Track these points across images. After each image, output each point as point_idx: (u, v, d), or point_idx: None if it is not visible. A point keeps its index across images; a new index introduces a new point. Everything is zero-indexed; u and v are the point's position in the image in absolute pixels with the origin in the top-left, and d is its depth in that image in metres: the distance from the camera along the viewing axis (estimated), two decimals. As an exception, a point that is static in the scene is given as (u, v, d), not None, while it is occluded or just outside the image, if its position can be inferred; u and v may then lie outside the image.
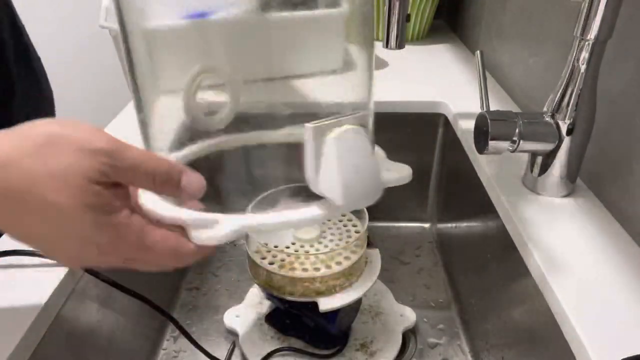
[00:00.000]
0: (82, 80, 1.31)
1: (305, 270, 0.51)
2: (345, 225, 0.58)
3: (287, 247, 0.54)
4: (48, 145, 0.29)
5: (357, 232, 0.56)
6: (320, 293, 0.51)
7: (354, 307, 0.60)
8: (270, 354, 0.59)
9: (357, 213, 0.58)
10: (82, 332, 0.48)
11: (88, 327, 0.49)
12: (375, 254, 0.57)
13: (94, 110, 1.34)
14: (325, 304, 0.50)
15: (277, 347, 0.60)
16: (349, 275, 0.52)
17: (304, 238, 0.55)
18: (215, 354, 0.62)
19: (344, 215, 0.59)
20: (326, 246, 0.54)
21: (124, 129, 0.71)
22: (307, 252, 0.53)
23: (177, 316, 0.69)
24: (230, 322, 0.65)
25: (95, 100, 1.33)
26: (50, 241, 0.31)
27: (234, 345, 0.64)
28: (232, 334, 0.65)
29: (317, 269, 0.51)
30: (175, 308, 0.71)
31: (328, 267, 0.51)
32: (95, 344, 0.51)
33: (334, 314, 0.54)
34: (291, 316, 0.50)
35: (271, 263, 0.52)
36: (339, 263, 0.51)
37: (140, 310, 0.60)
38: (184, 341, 0.66)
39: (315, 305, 0.51)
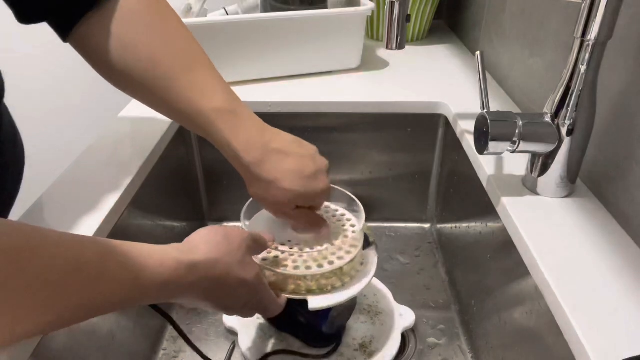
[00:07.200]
0: (82, 81, 1.32)
1: (296, 268, 0.51)
2: (343, 225, 0.58)
3: (283, 244, 0.54)
4: (227, 243, 0.43)
5: (354, 232, 0.56)
6: (311, 291, 0.51)
7: (348, 308, 0.59)
8: (267, 355, 0.59)
9: (356, 214, 0.58)
10: (82, 332, 0.48)
11: (88, 327, 0.49)
12: (372, 256, 0.56)
13: (94, 109, 1.34)
14: (315, 302, 0.50)
15: (276, 347, 0.60)
16: (342, 275, 0.52)
17: (301, 236, 0.55)
18: (216, 355, 0.63)
19: (343, 215, 0.59)
20: (322, 245, 0.54)
21: (124, 127, 0.71)
22: (301, 249, 0.53)
23: (176, 317, 0.69)
24: (229, 322, 0.65)
25: (96, 99, 1.33)
26: (230, 303, 0.46)
27: (234, 345, 0.64)
28: (232, 333, 0.65)
29: (308, 267, 0.51)
30: (174, 309, 0.71)
31: (320, 265, 0.51)
32: (95, 344, 0.51)
33: (325, 313, 0.54)
34: (286, 313, 0.50)
35: (264, 259, 0.52)
36: (331, 262, 0.51)
37: (140, 310, 0.60)
38: (183, 341, 0.66)
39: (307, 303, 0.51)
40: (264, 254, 0.53)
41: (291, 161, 0.49)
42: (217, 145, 0.49)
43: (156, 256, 0.37)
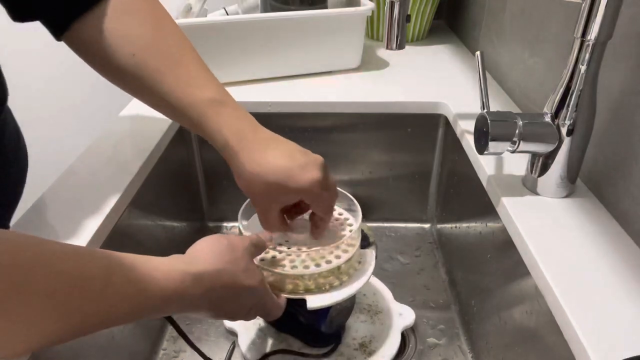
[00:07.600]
0: (82, 81, 1.32)
1: (294, 267, 0.51)
2: (341, 224, 0.58)
3: (280, 244, 0.54)
4: (231, 251, 0.43)
5: (351, 231, 0.56)
6: (310, 291, 0.51)
7: (347, 307, 0.59)
8: (267, 355, 0.59)
9: (354, 214, 0.58)
10: (82, 332, 0.48)
11: (88, 327, 0.49)
12: (370, 254, 0.56)
13: (94, 109, 1.34)
14: (314, 301, 0.50)
15: (276, 347, 0.60)
16: (340, 274, 0.52)
17: (299, 236, 0.55)
18: (216, 355, 0.63)
19: (340, 214, 0.59)
20: (319, 244, 0.54)
21: (124, 126, 0.71)
22: (299, 249, 0.53)
23: (176, 317, 0.69)
24: (229, 322, 0.65)
25: (96, 100, 1.33)
26: (236, 311, 0.46)
27: (234, 345, 0.64)
28: (232, 334, 0.65)
29: (306, 267, 0.51)
30: (175, 308, 0.71)
31: (317, 265, 0.51)
32: (95, 344, 0.51)
33: (324, 312, 0.54)
34: (286, 313, 0.50)
35: (262, 259, 0.52)
36: (329, 262, 0.51)
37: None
38: (183, 341, 0.66)
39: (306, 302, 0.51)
40: (261, 254, 0.53)
41: (279, 151, 0.48)
42: (207, 135, 0.49)
43: (162, 268, 0.37)
